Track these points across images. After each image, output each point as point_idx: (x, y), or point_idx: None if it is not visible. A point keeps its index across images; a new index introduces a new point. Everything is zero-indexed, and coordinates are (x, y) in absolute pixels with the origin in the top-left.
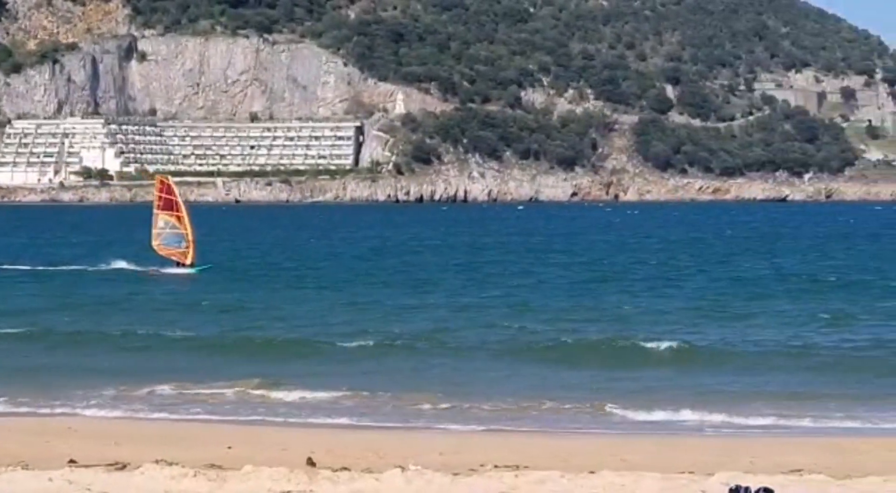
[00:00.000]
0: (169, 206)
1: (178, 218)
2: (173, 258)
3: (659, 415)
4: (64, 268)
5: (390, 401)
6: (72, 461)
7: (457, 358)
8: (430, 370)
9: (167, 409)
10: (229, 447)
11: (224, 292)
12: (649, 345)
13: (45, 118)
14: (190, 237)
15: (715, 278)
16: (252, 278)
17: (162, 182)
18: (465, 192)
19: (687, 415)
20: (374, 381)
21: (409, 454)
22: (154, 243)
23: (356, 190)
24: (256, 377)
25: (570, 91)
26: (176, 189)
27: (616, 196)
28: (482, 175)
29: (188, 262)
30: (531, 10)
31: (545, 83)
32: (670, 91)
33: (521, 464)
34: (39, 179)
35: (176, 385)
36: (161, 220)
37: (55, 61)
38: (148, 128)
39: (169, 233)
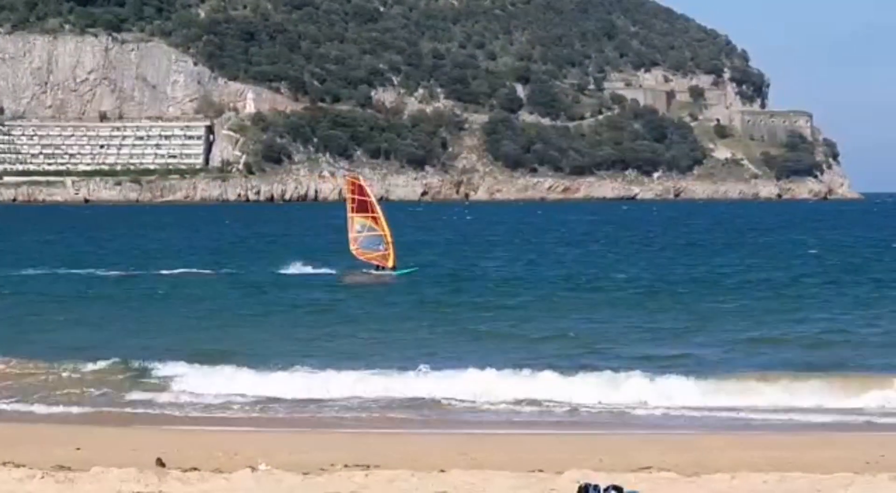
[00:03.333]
0: (363, 207)
1: (375, 219)
2: (373, 262)
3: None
4: (235, 271)
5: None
6: None
7: None
8: None
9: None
10: (78, 449)
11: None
12: None
13: None
14: (389, 239)
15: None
16: (466, 280)
17: (353, 183)
18: (316, 191)
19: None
20: None
21: (259, 453)
22: (352, 248)
23: (206, 189)
24: None
25: (421, 90)
26: (368, 189)
27: (466, 195)
28: (332, 174)
29: (390, 265)
30: (381, 9)
31: (395, 82)
32: (520, 90)
33: (371, 463)
34: None
35: None
36: (357, 223)
37: None
38: None
39: (367, 236)
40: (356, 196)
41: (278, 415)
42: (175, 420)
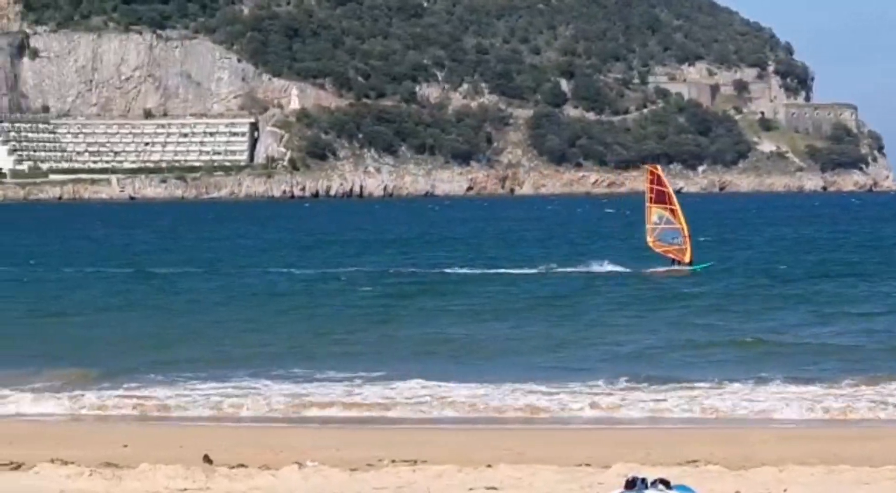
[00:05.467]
0: (661, 198)
1: (672, 211)
2: (669, 256)
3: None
4: (516, 271)
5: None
6: None
7: None
8: None
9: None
10: (125, 446)
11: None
12: None
13: None
14: (686, 232)
15: None
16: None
17: (652, 173)
18: (361, 187)
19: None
20: None
21: (306, 449)
22: (648, 240)
23: (251, 186)
24: None
25: (465, 85)
26: (666, 180)
27: (512, 190)
28: (378, 170)
29: (686, 259)
30: (425, 4)
31: (440, 78)
32: (564, 85)
33: (418, 458)
34: None
35: None
36: (654, 214)
37: None
38: (41, 125)
39: (664, 228)
40: (654, 186)
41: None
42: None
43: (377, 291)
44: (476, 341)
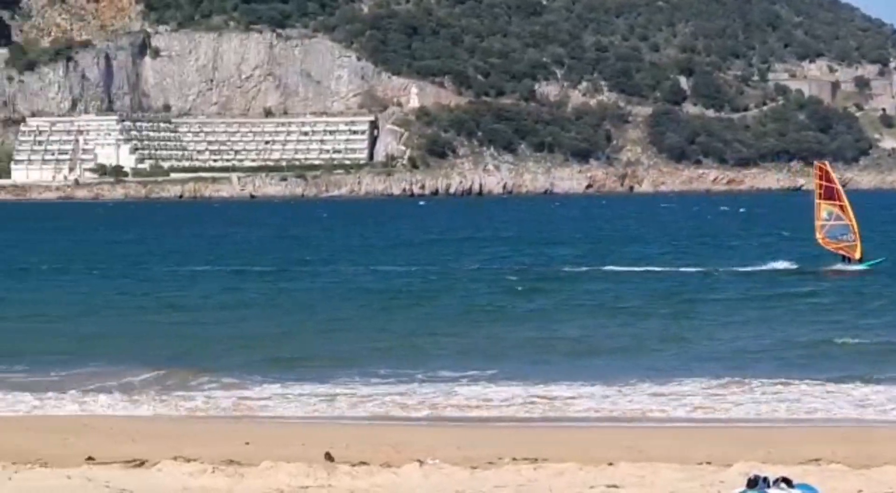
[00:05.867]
0: (830, 195)
1: (842, 208)
2: (840, 253)
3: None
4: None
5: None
6: (90, 459)
7: None
8: None
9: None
10: (247, 443)
11: None
12: None
13: (59, 116)
14: (855, 229)
15: None
16: None
17: (820, 169)
18: (481, 185)
19: None
20: None
21: (427, 447)
22: (818, 236)
23: (371, 184)
24: None
25: (584, 83)
26: (834, 175)
27: (631, 188)
28: (497, 168)
29: (856, 256)
30: (544, 2)
31: (559, 76)
32: (684, 82)
33: (539, 457)
34: (54, 177)
35: None
36: (824, 210)
37: (69, 59)
38: (162, 124)
39: (833, 225)
40: (823, 183)
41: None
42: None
43: (496, 288)
44: (594, 340)
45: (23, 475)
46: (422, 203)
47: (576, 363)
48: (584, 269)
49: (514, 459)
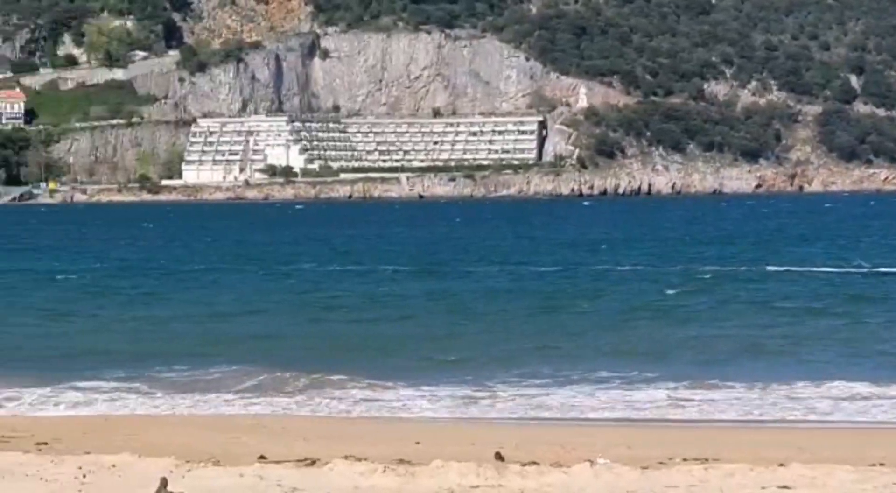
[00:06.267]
0: None
1: None
2: None
3: None
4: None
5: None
6: (262, 457)
7: None
8: None
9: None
10: (417, 443)
11: None
12: None
13: (229, 117)
14: None
15: None
16: None
17: None
18: (650, 185)
19: None
20: None
21: (598, 447)
22: None
23: (539, 184)
24: None
25: (754, 82)
26: None
27: (800, 188)
28: (666, 168)
29: None
30: (713, 1)
31: (728, 75)
32: (854, 81)
33: (709, 457)
34: (224, 177)
35: None
36: None
37: (239, 60)
38: (331, 125)
39: None
40: None
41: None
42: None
43: (656, 287)
44: (756, 339)
45: (196, 472)
46: (586, 203)
47: (739, 363)
48: (744, 268)
49: (685, 459)
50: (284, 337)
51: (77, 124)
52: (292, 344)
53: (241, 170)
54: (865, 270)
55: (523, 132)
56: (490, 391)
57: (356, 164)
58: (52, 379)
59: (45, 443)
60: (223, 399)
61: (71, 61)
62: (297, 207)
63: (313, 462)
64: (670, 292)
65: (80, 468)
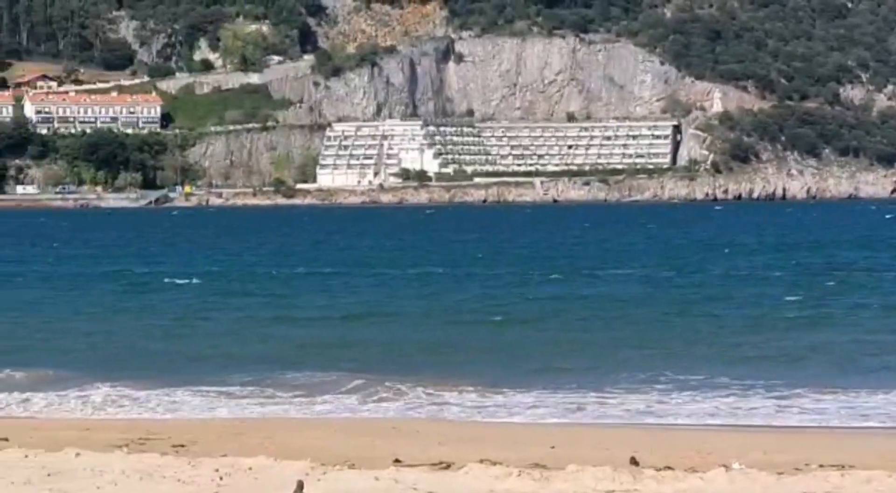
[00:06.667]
0: None
1: None
2: None
3: None
4: None
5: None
6: (397, 461)
7: None
8: None
9: None
10: (552, 447)
11: None
12: None
13: (364, 121)
14: None
15: None
16: None
17: None
18: (784, 190)
19: None
20: None
21: (732, 452)
22: None
23: (674, 189)
24: None
25: (890, 86)
26: None
27: None
28: (801, 173)
29: None
30: (849, 5)
31: (864, 79)
32: None
33: (846, 463)
34: (359, 181)
35: None
36: None
37: (374, 64)
38: (466, 129)
39: None
40: None
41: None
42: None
43: (783, 292)
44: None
45: (332, 475)
46: (718, 208)
47: (873, 368)
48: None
49: (821, 465)
50: (411, 342)
51: (213, 128)
52: (419, 348)
53: (376, 174)
54: None
55: (657, 137)
56: (620, 397)
57: (490, 168)
58: (180, 381)
59: (182, 445)
60: (347, 403)
61: (207, 66)
62: (427, 211)
63: (448, 466)
64: (790, 298)
65: (217, 470)
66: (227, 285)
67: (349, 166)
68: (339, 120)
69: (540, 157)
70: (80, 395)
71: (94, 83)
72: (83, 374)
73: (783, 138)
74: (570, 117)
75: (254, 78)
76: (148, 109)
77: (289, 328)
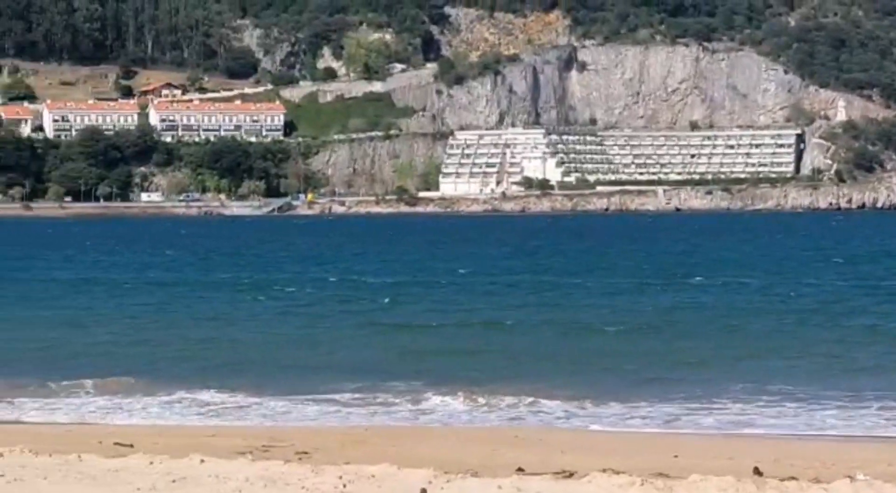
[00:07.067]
0: None
1: None
2: None
3: None
4: None
5: None
6: (519, 469)
7: None
8: None
9: None
10: (675, 456)
11: None
12: None
13: (486, 129)
14: None
15: None
16: None
17: None
18: None
19: None
20: None
21: (856, 463)
22: None
23: (797, 198)
24: None
25: None
26: None
27: None
28: None
29: None
30: None
31: None
32: None
33: None
34: (482, 190)
35: None
36: None
37: (496, 73)
38: (588, 137)
39: None
40: None
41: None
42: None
43: None
44: None
45: (455, 483)
46: (839, 218)
47: None
48: None
49: None
50: (527, 351)
51: (336, 137)
52: (534, 357)
53: (498, 182)
54: None
55: (781, 146)
56: (737, 407)
57: (613, 177)
58: (297, 389)
59: (305, 453)
60: (459, 409)
61: (330, 74)
62: (547, 220)
63: (571, 475)
64: None
65: (341, 477)
66: (344, 293)
67: (471, 175)
68: (462, 128)
69: (662, 165)
70: (193, 399)
71: (218, 91)
72: (197, 379)
73: None
74: (693, 126)
75: (377, 86)
76: (271, 118)
77: (405, 336)
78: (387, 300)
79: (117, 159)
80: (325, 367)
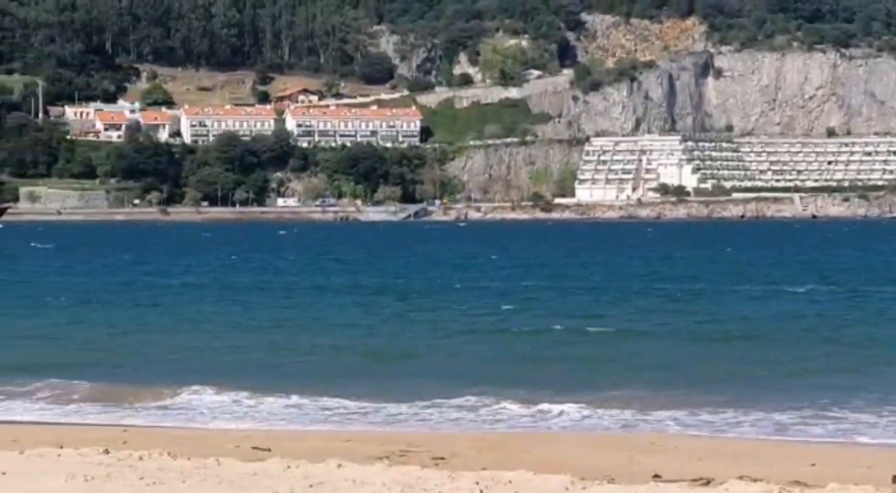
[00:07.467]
0: None
1: None
2: None
3: None
4: None
5: None
6: (656, 476)
7: None
8: None
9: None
10: (813, 465)
11: None
12: None
13: (622, 136)
14: None
15: None
16: None
17: None
18: None
19: None
20: None
21: None
22: None
23: None
24: None
25: None
26: None
27: None
28: None
29: None
30: None
31: None
32: None
33: None
34: (617, 196)
35: None
36: None
37: (633, 79)
38: (724, 144)
39: None
40: None
41: None
42: None
43: None
44: None
45: (591, 490)
46: None
47: None
48: None
49: None
50: (653, 359)
51: (472, 142)
52: (660, 364)
53: (634, 188)
54: None
55: None
56: (867, 415)
57: (749, 183)
58: (423, 395)
59: (442, 458)
60: (583, 414)
61: (466, 80)
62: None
63: (708, 482)
64: None
65: (478, 483)
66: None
67: (607, 181)
68: (598, 134)
69: (799, 172)
70: (317, 405)
71: (355, 97)
72: (319, 385)
73: None
74: (830, 133)
75: (513, 92)
76: (407, 123)
77: (529, 342)
78: (511, 307)
79: (254, 164)
80: (446, 375)
